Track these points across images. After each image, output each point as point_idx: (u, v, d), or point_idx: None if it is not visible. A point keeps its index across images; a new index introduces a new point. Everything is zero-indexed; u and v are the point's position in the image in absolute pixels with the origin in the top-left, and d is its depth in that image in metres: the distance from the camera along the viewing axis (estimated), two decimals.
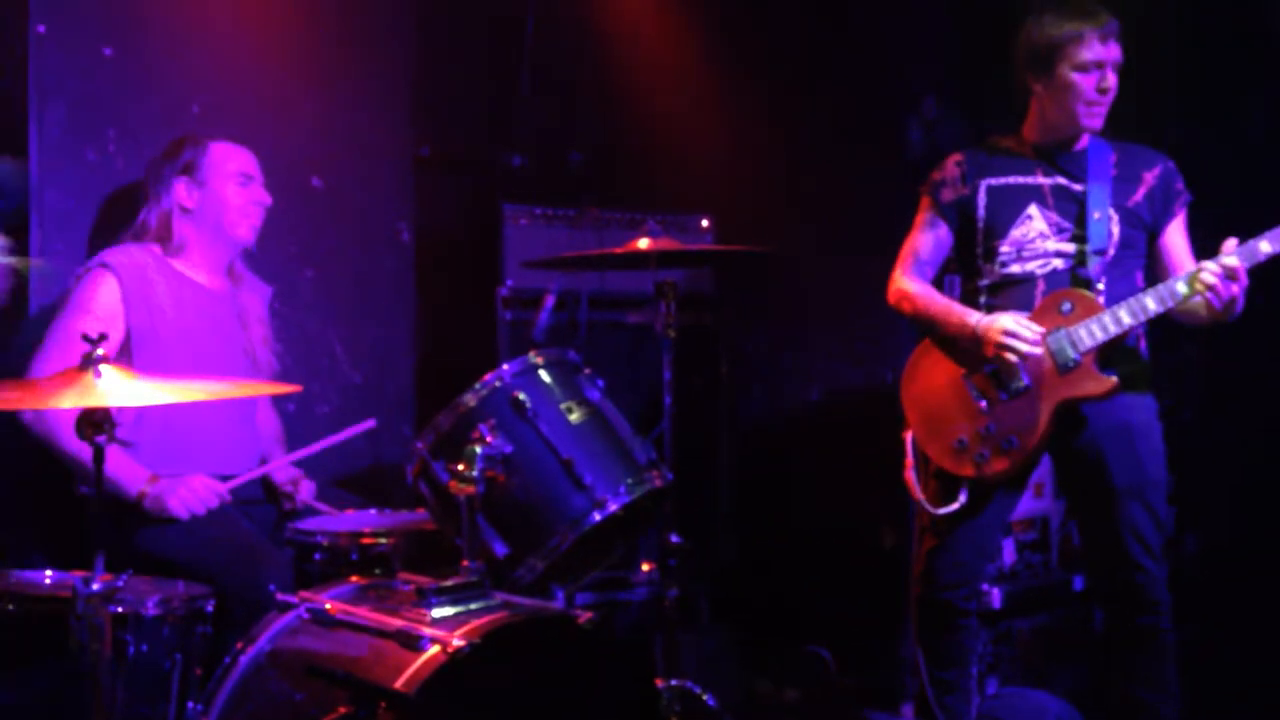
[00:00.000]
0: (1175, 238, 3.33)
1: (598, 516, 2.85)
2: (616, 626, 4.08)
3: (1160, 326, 3.26)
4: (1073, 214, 3.27)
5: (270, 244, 3.56)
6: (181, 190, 3.41)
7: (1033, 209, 3.29)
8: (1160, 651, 3.23)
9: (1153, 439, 3.26)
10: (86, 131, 3.59)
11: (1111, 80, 3.20)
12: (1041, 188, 3.31)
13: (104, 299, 3.25)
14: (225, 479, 3.26)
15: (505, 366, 2.92)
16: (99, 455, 2.32)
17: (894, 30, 4.43)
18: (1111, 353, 3.20)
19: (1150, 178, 3.31)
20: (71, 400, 2.30)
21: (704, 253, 4.15)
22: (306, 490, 3.49)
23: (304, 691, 2.53)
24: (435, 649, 2.43)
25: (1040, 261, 3.28)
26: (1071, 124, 3.26)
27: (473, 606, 2.59)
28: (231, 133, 3.53)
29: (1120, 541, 3.20)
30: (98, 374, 2.34)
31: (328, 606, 2.67)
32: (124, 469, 3.16)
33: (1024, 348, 3.16)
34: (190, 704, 2.60)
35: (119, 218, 3.53)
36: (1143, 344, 3.33)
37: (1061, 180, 3.30)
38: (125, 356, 3.25)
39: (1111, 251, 3.25)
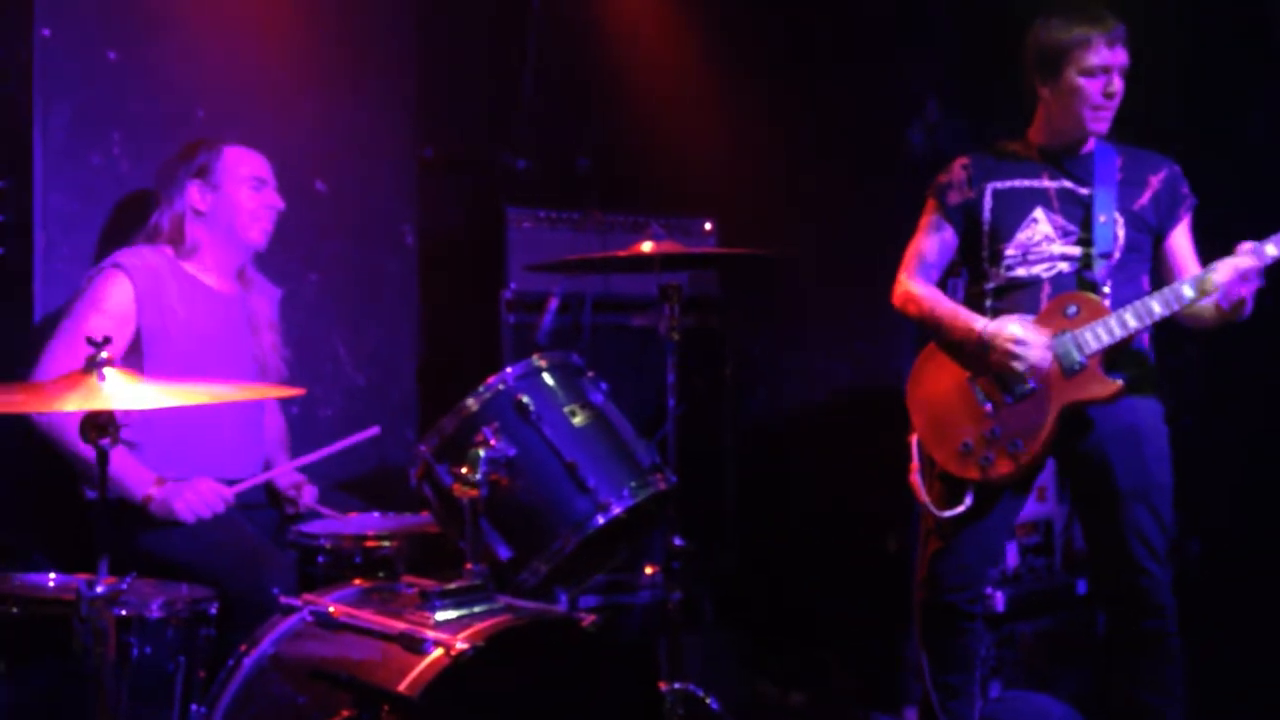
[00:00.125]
0: (1180, 241, 3.33)
1: (601, 520, 2.85)
2: (620, 629, 4.07)
3: (1161, 328, 3.25)
4: (1078, 217, 3.27)
5: (274, 247, 3.56)
6: (195, 193, 3.42)
7: (1038, 212, 3.29)
8: (1164, 655, 3.22)
9: (1158, 442, 3.25)
10: (91, 135, 3.59)
11: (1118, 85, 3.20)
12: (1047, 191, 3.31)
13: (117, 298, 3.25)
14: (230, 483, 3.26)
15: (509, 369, 2.92)
16: (103, 458, 2.32)
17: (895, 31, 4.42)
18: (1117, 356, 3.19)
19: (1156, 181, 3.31)
20: (75, 403, 2.30)
21: (708, 255, 4.15)
22: (309, 495, 3.50)
23: (307, 694, 2.53)
24: (439, 652, 2.43)
25: (1046, 265, 3.27)
26: (1077, 128, 3.26)
27: (476, 609, 2.59)
28: (235, 136, 3.53)
29: (1125, 545, 3.20)
30: (101, 377, 2.34)
31: (331, 609, 2.67)
32: (130, 472, 3.17)
33: (1033, 357, 3.15)
34: (194, 707, 2.60)
35: (124, 221, 3.54)
36: (1149, 347, 3.33)
37: (1067, 184, 3.30)
38: (135, 356, 3.26)
39: (1117, 255, 3.24)
